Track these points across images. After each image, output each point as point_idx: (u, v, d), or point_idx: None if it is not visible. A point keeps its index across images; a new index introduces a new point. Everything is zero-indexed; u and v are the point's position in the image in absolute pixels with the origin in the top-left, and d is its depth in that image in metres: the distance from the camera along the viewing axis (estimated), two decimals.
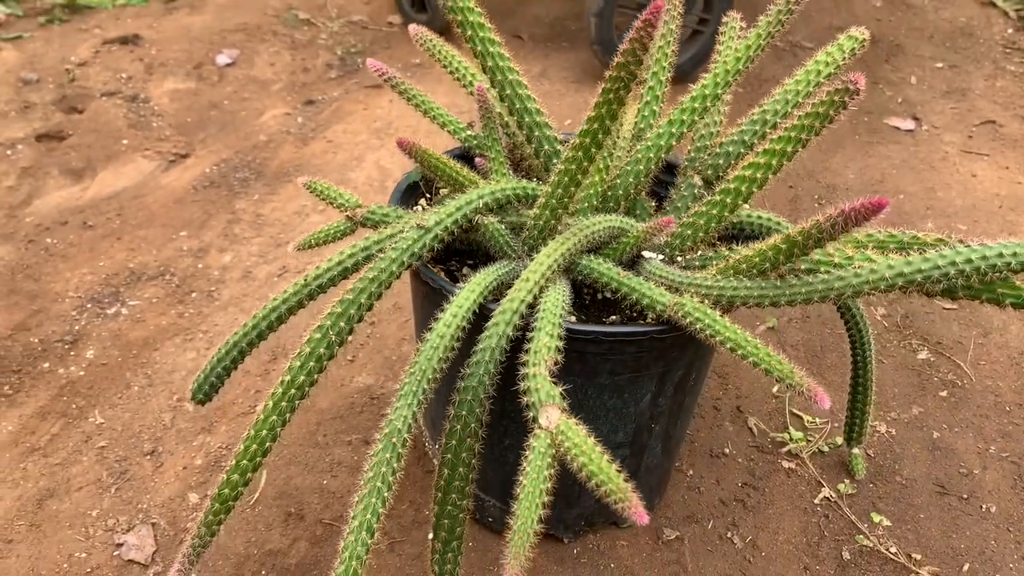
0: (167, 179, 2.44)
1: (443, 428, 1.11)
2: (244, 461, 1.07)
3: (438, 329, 1.07)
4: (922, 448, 1.64)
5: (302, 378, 1.09)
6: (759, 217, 1.30)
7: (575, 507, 1.37)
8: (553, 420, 0.95)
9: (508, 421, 1.26)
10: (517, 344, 1.07)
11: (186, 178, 2.44)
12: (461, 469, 1.10)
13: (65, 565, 1.39)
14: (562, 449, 0.93)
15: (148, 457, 1.58)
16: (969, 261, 0.98)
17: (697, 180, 1.34)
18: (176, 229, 2.21)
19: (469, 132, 1.41)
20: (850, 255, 1.13)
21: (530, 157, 1.33)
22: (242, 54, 3.14)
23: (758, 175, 1.15)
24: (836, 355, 1.85)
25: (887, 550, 1.44)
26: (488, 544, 1.42)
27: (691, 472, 1.57)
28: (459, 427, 1.09)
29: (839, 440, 1.64)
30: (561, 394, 0.97)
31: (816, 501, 1.53)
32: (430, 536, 1.16)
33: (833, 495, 1.53)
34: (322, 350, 1.09)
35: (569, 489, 1.34)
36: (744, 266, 1.10)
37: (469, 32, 1.20)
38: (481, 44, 1.19)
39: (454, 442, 1.09)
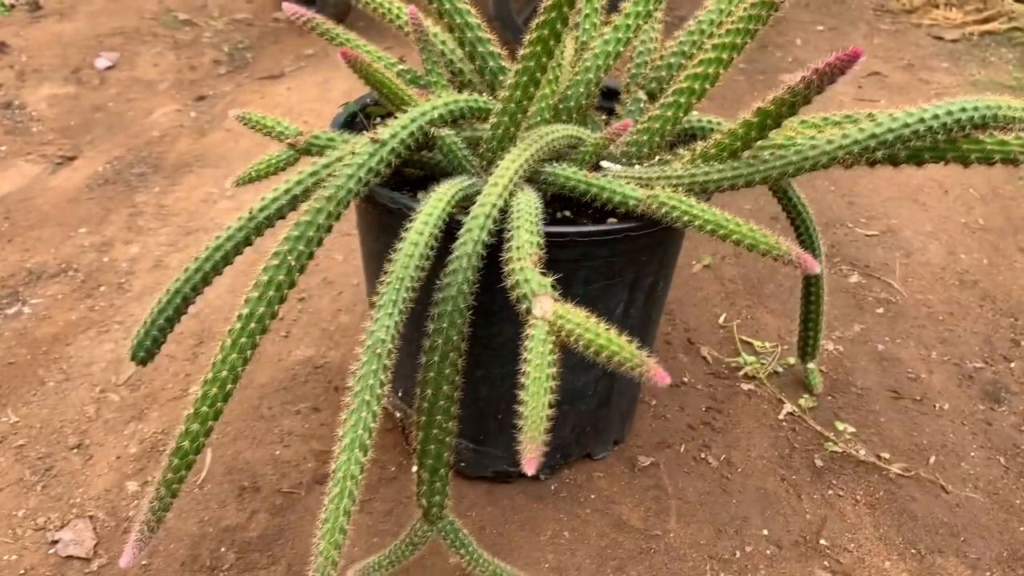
0: (56, 181, 2.27)
1: (422, 347, 1.04)
2: (204, 408, 0.97)
3: (410, 237, 1.00)
4: (870, 360, 1.67)
5: (261, 309, 1.01)
6: (708, 121, 1.29)
7: (551, 438, 1.32)
8: (548, 309, 0.90)
9: (480, 349, 1.20)
10: (489, 262, 1.02)
11: (77, 178, 2.28)
12: (445, 387, 1.04)
13: None
14: (563, 332, 0.88)
15: (75, 451, 1.44)
16: (936, 117, 0.99)
17: (641, 95, 1.32)
18: (73, 227, 2.05)
19: (402, 67, 1.35)
20: (792, 135, 1.13)
21: (472, 77, 1.28)
22: (122, 56, 2.98)
23: (710, 70, 1.14)
24: (773, 285, 1.87)
25: (857, 452, 1.45)
26: (463, 491, 1.35)
27: (654, 402, 1.54)
28: (440, 342, 1.03)
29: (791, 360, 1.65)
30: (552, 284, 0.92)
31: (780, 417, 1.52)
32: (414, 469, 1.09)
33: (796, 410, 1.54)
34: (281, 277, 1.01)
35: None
36: (714, 150, 1.08)
37: None
38: None
39: (436, 358, 1.03)
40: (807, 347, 1.55)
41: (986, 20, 3.29)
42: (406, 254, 0.99)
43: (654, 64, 1.32)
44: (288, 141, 1.16)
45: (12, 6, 3.27)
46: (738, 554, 1.28)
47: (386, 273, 0.99)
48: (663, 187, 1.07)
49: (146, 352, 1.14)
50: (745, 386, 1.59)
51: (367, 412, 0.91)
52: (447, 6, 1.18)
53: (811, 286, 1.47)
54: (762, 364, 1.63)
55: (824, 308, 1.50)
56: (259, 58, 3.07)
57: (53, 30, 3.12)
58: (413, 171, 1.23)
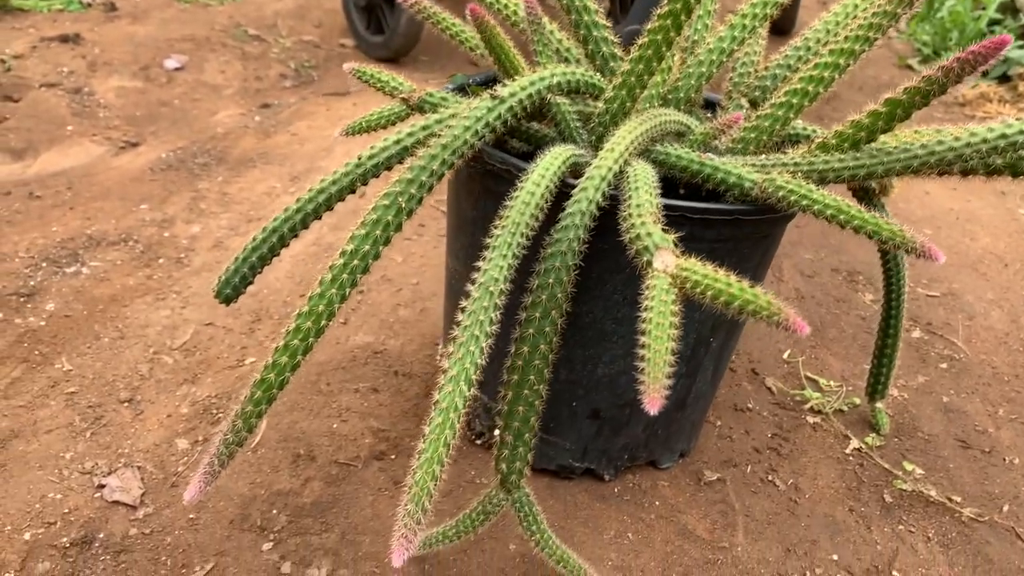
0: (119, 162, 2.28)
1: (524, 303, 1.02)
2: (295, 341, 0.94)
3: (527, 187, 0.99)
4: (935, 410, 1.63)
5: (366, 247, 0.98)
6: (814, 130, 1.28)
7: (621, 435, 1.28)
8: (669, 263, 0.88)
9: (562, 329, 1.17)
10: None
11: (140, 162, 2.29)
12: (542, 346, 1.01)
13: (37, 506, 1.19)
14: (688, 284, 0.86)
15: (126, 405, 1.41)
16: None
17: (744, 102, 1.32)
18: (135, 203, 2.05)
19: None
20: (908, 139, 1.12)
21: (583, 62, 1.29)
22: (191, 61, 3.03)
23: (825, 74, 1.13)
24: (836, 331, 1.84)
25: (928, 493, 1.40)
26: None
27: (719, 423, 1.50)
28: (544, 298, 1.00)
29: (856, 401, 1.61)
30: (674, 241, 0.91)
31: (847, 451, 1.48)
32: (496, 432, 1.05)
33: (863, 446, 1.49)
34: (390, 217, 0.99)
35: (618, 413, 1.25)
36: (835, 140, 1.07)
37: None
38: None
39: (537, 314, 1.00)
40: (877, 385, 1.51)
41: None
42: (523, 201, 0.97)
43: (758, 74, 1.33)
44: (402, 96, 1.16)
45: (88, 5, 3.34)
46: (808, 575, 1.22)
47: (502, 219, 0.97)
48: (780, 173, 1.05)
49: (232, 290, 1.12)
50: (811, 419, 1.55)
51: (475, 347, 0.88)
52: None
53: (890, 319, 1.44)
54: (827, 400, 1.59)
55: (900, 346, 1.47)
56: (324, 77, 3.12)
57: (126, 30, 3.18)
58: (517, 144, 1.22)
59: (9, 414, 1.34)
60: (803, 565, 1.23)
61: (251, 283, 1.14)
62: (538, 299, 1.00)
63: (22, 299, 1.62)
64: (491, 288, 0.91)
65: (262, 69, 3.09)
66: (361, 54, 3.30)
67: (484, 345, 0.89)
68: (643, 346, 0.82)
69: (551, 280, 1.00)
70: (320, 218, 1.12)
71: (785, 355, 1.73)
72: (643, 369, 0.80)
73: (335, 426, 1.39)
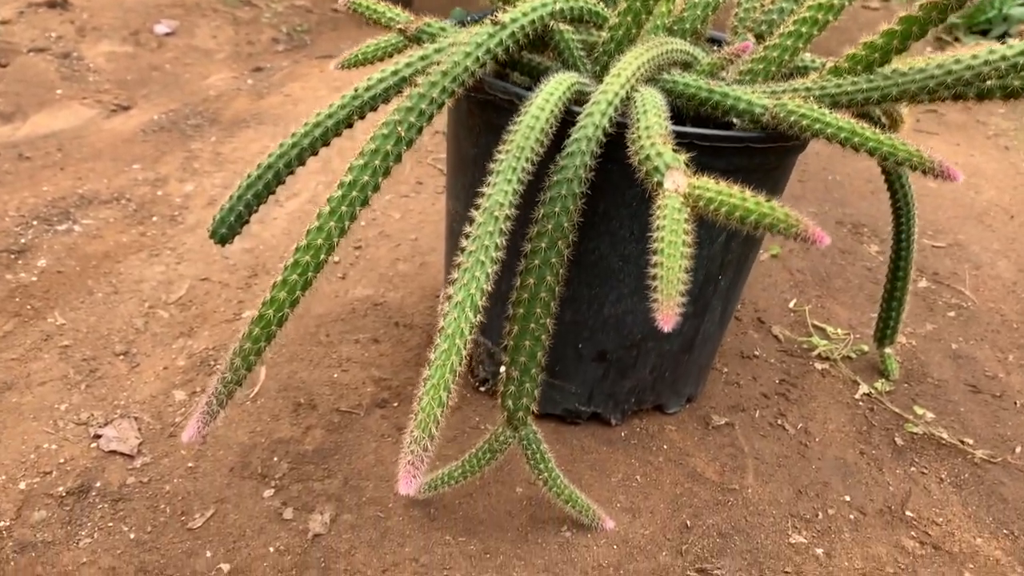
0: (110, 124, 2.24)
1: (529, 234, 0.99)
2: (294, 276, 0.91)
3: (531, 111, 0.95)
4: (944, 357, 1.61)
5: (365, 178, 0.95)
6: (823, 62, 1.25)
7: (628, 378, 1.25)
8: (681, 182, 0.85)
9: (567, 267, 1.14)
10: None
11: (131, 124, 2.25)
12: (548, 278, 0.98)
13: (32, 456, 1.17)
14: (701, 202, 0.83)
15: (121, 358, 1.38)
16: None
17: (750, 37, 1.29)
18: (127, 163, 2.01)
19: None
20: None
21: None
22: (181, 26, 2.97)
23: (835, 1, 1.10)
24: (841, 280, 1.82)
25: (939, 435, 1.38)
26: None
27: (726, 369, 1.48)
28: (550, 227, 0.97)
29: (865, 348, 1.58)
30: (685, 161, 0.87)
31: (856, 396, 1.45)
32: (502, 369, 1.02)
33: (872, 391, 1.47)
34: (389, 147, 0.96)
35: (625, 355, 1.22)
36: (847, 64, 1.04)
37: None
38: None
39: (543, 245, 0.97)
40: (886, 330, 1.49)
41: None
42: (527, 126, 0.94)
43: (764, 8, 1.29)
44: (399, 27, 1.12)
45: None
46: (820, 515, 1.20)
47: (506, 144, 0.93)
48: (791, 99, 1.02)
49: (228, 229, 1.09)
50: (819, 365, 1.52)
51: (480, 272, 0.85)
52: None
53: (900, 260, 1.42)
54: (834, 347, 1.57)
55: (909, 289, 1.44)
56: (317, 41, 3.07)
57: None
58: (518, 78, 1.18)
59: (1, 366, 1.31)
60: (815, 506, 1.21)
61: (247, 222, 1.11)
62: (543, 229, 0.97)
63: (12, 256, 1.59)
64: (496, 213, 0.88)
65: (254, 34, 3.04)
66: (353, 19, 3.25)
67: (490, 271, 0.86)
68: (656, 265, 0.78)
69: (557, 209, 0.97)
70: (316, 153, 1.09)
71: (791, 304, 1.70)
72: (656, 287, 0.77)
73: (336, 376, 1.36)
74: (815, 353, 1.55)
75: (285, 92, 2.52)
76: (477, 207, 0.90)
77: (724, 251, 1.17)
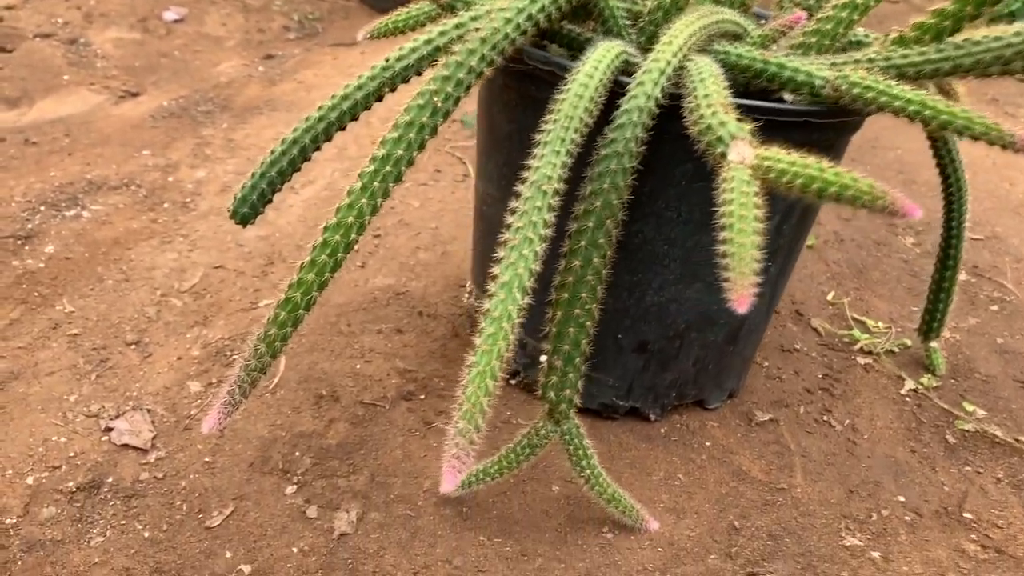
0: (119, 110, 2.17)
1: (575, 212, 0.92)
2: (323, 257, 0.85)
3: (580, 79, 0.89)
4: (990, 351, 1.54)
5: (399, 152, 0.88)
6: (867, 35, 1.18)
7: (670, 370, 1.19)
8: (747, 154, 0.78)
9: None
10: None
11: (141, 110, 2.18)
12: (596, 260, 0.91)
13: (41, 449, 1.10)
14: (772, 175, 0.76)
15: (132, 347, 1.31)
16: None
17: (798, 10, 1.22)
18: (137, 149, 1.95)
19: None
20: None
21: None
22: (191, 13, 2.91)
23: None
24: (879, 272, 1.75)
25: (993, 433, 1.31)
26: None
27: (767, 363, 1.41)
28: (598, 205, 0.90)
29: (907, 342, 1.51)
30: (751, 131, 0.81)
31: (903, 392, 1.39)
32: (543, 358, 0.95)
33: (919, 387, 1.40)
34: (424, 119, 0.89)
35: (667, 346, 1.16)
36: (913, 34, 0.97)
37: None
38: None
39: (590, 224, 0.90)
40: (932, 323, 1.42)
41: None
42: (575, 94, 0.87)
43: None
44: None
45: None
46: (874, 516, 1.13)
47: (553, 114, 0.87)
48: (853, 70, 0.95)
49: (250, 208, 1.02)
50: (861, 360, 1.45)
51: (528, 250, 0.78)
52: None
53: (949, 249, 1.35)
54: (876, 341, 1.50)
55: (957, 280, 1.37)
56: (329, 29, 3.00)
57: None
58: (557, 50, 1.11)
59: (8, 355, 1.25)
60: (868, 507, 1.14)
61: (270, 201, 1.04)
62: (591, 207, 0.90)
63: (19, 241, 1.52)
64: (544, 187, 0.81)
65: (264, 21, 2.97)
66: (367, 7, 3.19)
67: (539, 249, 0.79)
68: (726, 241, 0.72)
69: (606, 185, 0.90)
70: (344, 128, 1.02)
71: (829, 296, 1.63)
72: (727, 265, 0.70)
73: (359, 367, 1.29)
74: (857, 347, 1.48)
75: (298, 79, 2.45)
76: (512, 188, 0.83)
77: (776, 236, 1.10)
